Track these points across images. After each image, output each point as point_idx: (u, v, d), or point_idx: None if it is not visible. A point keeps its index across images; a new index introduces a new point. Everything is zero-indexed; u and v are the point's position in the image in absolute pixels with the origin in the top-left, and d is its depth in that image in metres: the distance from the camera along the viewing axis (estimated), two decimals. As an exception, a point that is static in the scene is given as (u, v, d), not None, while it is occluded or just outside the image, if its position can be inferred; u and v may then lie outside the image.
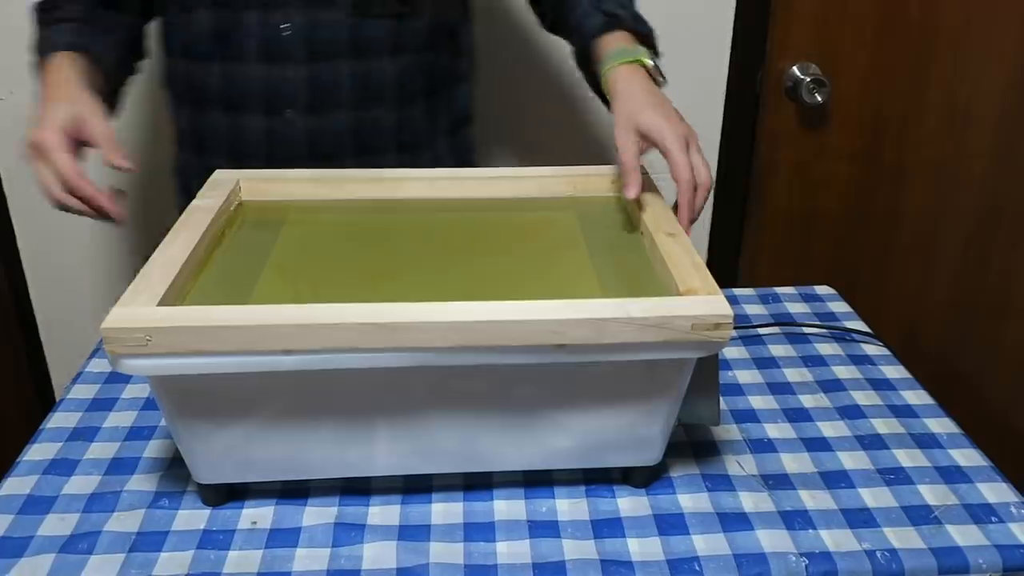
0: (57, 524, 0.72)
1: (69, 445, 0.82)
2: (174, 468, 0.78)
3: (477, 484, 0.76)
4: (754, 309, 1.08)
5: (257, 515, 0.73)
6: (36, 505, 0.74)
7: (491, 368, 0.67)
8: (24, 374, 1.50)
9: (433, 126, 1.04)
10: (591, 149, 1.43)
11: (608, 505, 0.74)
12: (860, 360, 0.96)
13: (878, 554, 0.69)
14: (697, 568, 0.68)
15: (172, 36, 0.98)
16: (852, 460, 0.80)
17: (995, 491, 0.76)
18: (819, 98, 1.40)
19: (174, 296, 0.69)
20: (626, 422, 0.72)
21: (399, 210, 0.88)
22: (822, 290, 1.13)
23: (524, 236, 0.84)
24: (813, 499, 0.75)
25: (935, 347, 1.64)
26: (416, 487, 0.76)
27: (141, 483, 0.77)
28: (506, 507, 0.74)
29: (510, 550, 0.70)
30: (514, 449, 0.73)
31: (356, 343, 0.63)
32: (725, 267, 1.55)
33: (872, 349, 0.99)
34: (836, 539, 0.71)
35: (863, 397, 0.90)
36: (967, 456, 0.81)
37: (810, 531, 0.71)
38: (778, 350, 0.99)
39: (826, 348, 0.99)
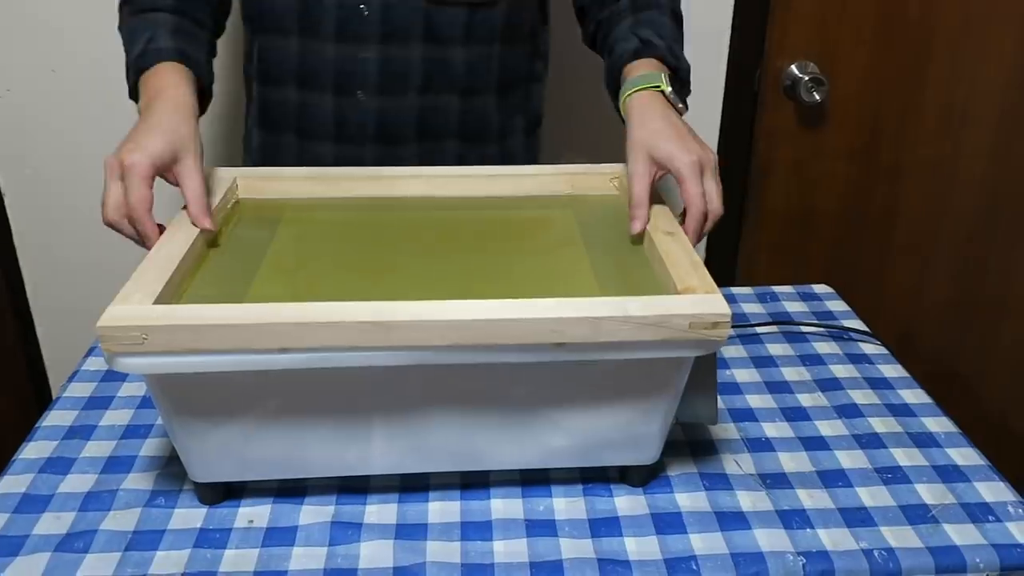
0: (53, 523, 0.72)
1: (65, 443, 0.81)
2: (170, 466, 0.78)
3: (474, 483, 0.76)
4: (752, 308, 1.08)
5: (253, 514, 0.73)
6: (32, 504, 0.74)
7: (488, 367, 0.67)
8: (21, 372, 1.50)
9: (507, 122, 1.05)
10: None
11: (605, 504, 0.74)
12: (858, 359, 0.96)
13: (875, 553, 0.69)
14: (694, 567, 0.68)
15: (253, 10, 0.99)
16: (850, 459, 0.80)
17: (992, 490, 0.76)
18: (817, 97, 1.40)
19: (170, 294, 0.68)
20: (624, 421, 0.72)
21: (397, 208, 0.88)
22: (820, 289, 1.13)
23: (522, 234, 0.84)
24: (811, 498, 0.75)
25: (932, 346, 1.64)
26: (413, 486, 0.76)
27: (137, 481, 0.77)
28: (503, 506, 0.74)
29: (507, 549, 0.70)
30: (511, 448, 0.73)
31: (353, 342, 0.63)
32: (723, 266, 1.55)
33: (870, 348, 0.99)
34: (833, 538, 0.71)
35: (861, 396, 0.89)
36: (964, 455, 0.81)
37: (808, 530, 0.71)
38: (776, 349, 0.99)
39: (824, 347, 0.99)
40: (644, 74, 0.87)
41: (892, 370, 0.94)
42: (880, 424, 0.85)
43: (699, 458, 0.80)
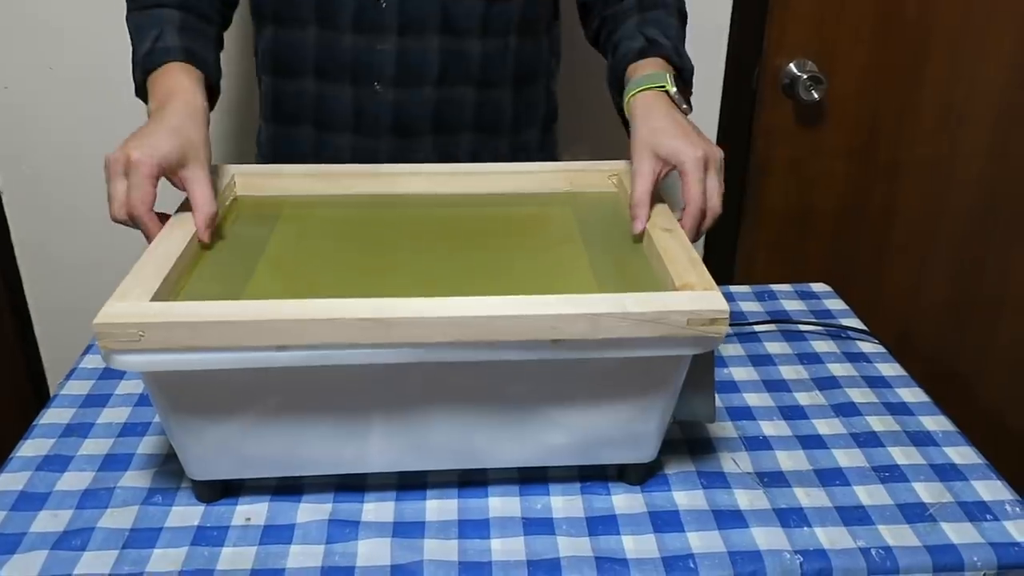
0: (50, 520, 0.72)
1: (62, 441, 0.81)
2: (168, 464, 0.78)
3: (472, 481, 0.76)
4: (750, 306, 1.08)
5: (251, 512, 0.73)
6: (29, 501, 0.74)
7: (486, 364, 0.67)
8: (19, 370, 1.50)
9: (523, 115, 1.05)
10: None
11: (603, 502, 0.74)
12: (856, 357, 0.96)
13: (873, 552, 0.69)
14: (692, 565, 0.68)
15: (265, 4, 0.99)
16: (847, 458, 0.80)
17: (990, 489, 0.76)
18: (816, 95, 1.40)
19: (167, 291, 0.68)
20: (621, 419, 0.72)
21: (396, 205, 0.88)
22: (818, 287, 1.13)
23: (520, 231, 0.84)
24: (808, 497, 0.75)
25: (930, 345, 1.64)
26: (411, 484, 0.76)
27: (135, 479, 0.76)
28: (501, 504, 0.74)
29: (504, 547, 0.70)
30: (509, 446, 0.73)
31: (352, 339, 0.63)
32: (721, 264, 1.55)
33: (868, 346, 0.99)
34: (831, 537, 0.71)
35: (858, 394, 0.89)
36: (962, 454, 0.81)
37: (805, 529, 0.71)
38: (774, 347, 0.99)
39: (822, 345, 0.99)
40: (649, 74, 0.87)
41: (890, 369, 0.94)
42: (878, 423, 0.85)
43: (697, 456, 0.80)
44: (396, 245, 0.81)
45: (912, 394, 0.90)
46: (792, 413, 0.87)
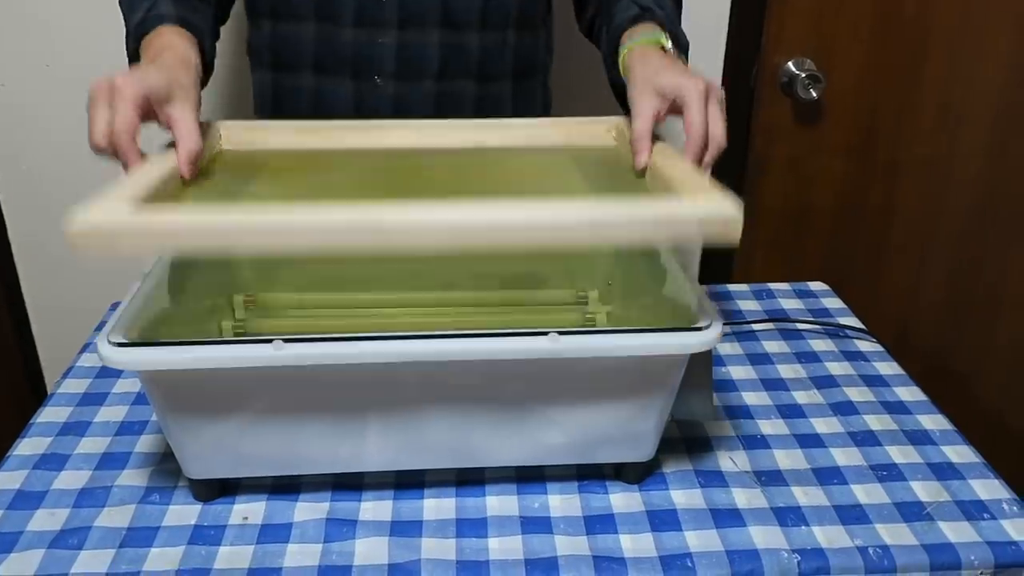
0: (47, 519, 0.72)
1: (59, 440, 0.81)
2: (165, 463, 0.78)
3: (469, 480, 0.76)
4: (748, 305, 1.08)
5: (248, 510, 0.73)
6: (26, 500, 0.74)
7: (483, 362, 0.67)
8: (17, 368, 1.50)
9: (523, 109, 1.05)
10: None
11: (601, 501, 0.74)
12: (853, 356, 0.96)
13: (870, 550, 0.69)
14: (689, 564, 0.68)
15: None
16: (845, 456, 0.80)
17: (987, 488, 0.76)
18: (814, 94, 1.40)
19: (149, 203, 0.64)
20: (619, 418, 0.72)
21: (387, 156, 0.86)
22: (816, 286, 1.13)
23: (518, 175, 0.82)
24: (806, 495, 0.75)
25: (928, 343, 1.64)
26: (408, 483, 0.76)
27: (132, 478, 0.76)
28: (498, 503, 0.74)
29: (502, 546, 0.69)
30: (507, 445, 0.73)
31: (343, 240, 0.59)
32: (719, 262, 1.55)
33: (866, 345, 0.99)
34: (828, 535, 0.71)
35: (856, 393, 0.89)
36: (960, 453, 0.81)
37: (802, 527, 0.71)
38: (772, 346, 0.99)
39: (820, 344, 0.99)
40: (644, 32, 0.86)
41: (888, 367, 0.94)
42: (875, 421, 0.85)
43: (694, 455, 0.80)
44: (386, 190, 0.77)
45: (910, 393, 0.90)
46: (790, 412, 0.87)
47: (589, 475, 0.77)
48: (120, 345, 0.63)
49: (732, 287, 1.12)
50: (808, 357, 0.96)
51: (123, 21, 0.89)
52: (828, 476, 0.77)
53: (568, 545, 0.69)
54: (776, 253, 1.56)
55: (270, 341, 0.64)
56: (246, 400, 0.68)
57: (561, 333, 0.65)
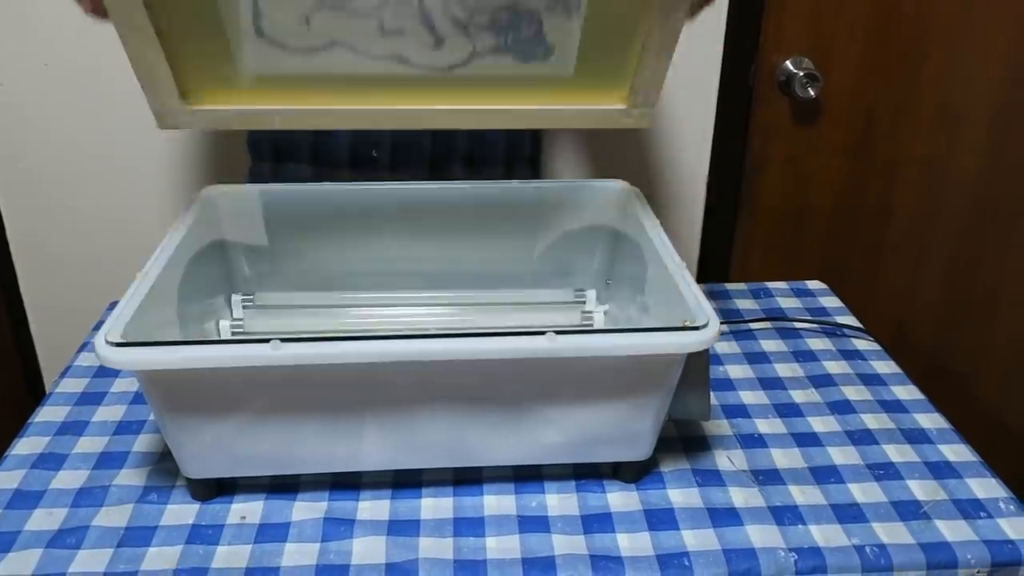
0: (45, 519, 0.72)
1: (57, 439, 0.81)
2: (163, 463, 0.78)
3: (467, 479, 0.76)
4: (745, 304, 1.08)
5: (246, 510, 0.73)
6: (24, 500, 0.74)
7: (481, 362, 0.67)
8: (15, 368, 1.50)
9: (512, 151, 1.11)
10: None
11: (598, 500, 0.74)
12: (851, 355, 0.97)
13: (867, 549, 0.69)
14: (687, 563, 0.68)
15: (263, 141, 1.09)
16: (842, 455, 0.80)
17: (984, 487, 0.76)
18: (812, 93, 1.40)
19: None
20: (616, 417, 0.72)
21: None
22: (813, 285, 1.13)
23: None
24: (803, 494, 0.75)
25: (926, 343, 1.64)
26: (406, 482, 0.76)
27: (130, 478, 0.76)
28: (496, 502, 0.74)
29: (499, 545, 0.70)
30: (504, 444, 0.73)
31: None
32: (717, 261, 1.55)
33: (863, 344, 0.99)
34: (825, 534, 0.71)
35: (853, 392, 0.90)
36: (956, 451, 0.81)
37: (799, 526, 0.71)
38: (769, 345, 0.99)
39: (817, 343, 0.99)
40: None
41: (885, 366, 0.95)
42: (872, 420, 0.85)
43: (692, 454, 0.80)
44: None
45: (907, 392, 0.90)
46: (787, 411, 0.87)
47: (586, 474, 0.77)
48: (118, 345, 0.63)
49: (730, 286, 1.12)
50: (805, 356, 0.96)
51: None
52: (825, 475, 0.78)
53: (565, 544, 0.69)
54: (774, 252, 1.57)
55: (267, 341, 0.64)
56: (244, 400, 0.68)
57: (558, 333, 0.65)
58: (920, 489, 0.76)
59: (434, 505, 0.74)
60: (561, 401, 0.71)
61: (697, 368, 0.73)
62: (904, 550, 0.69)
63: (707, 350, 0.69)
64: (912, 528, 0.71)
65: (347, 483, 0.75)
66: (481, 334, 0.65)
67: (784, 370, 0.94)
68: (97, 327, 1.02)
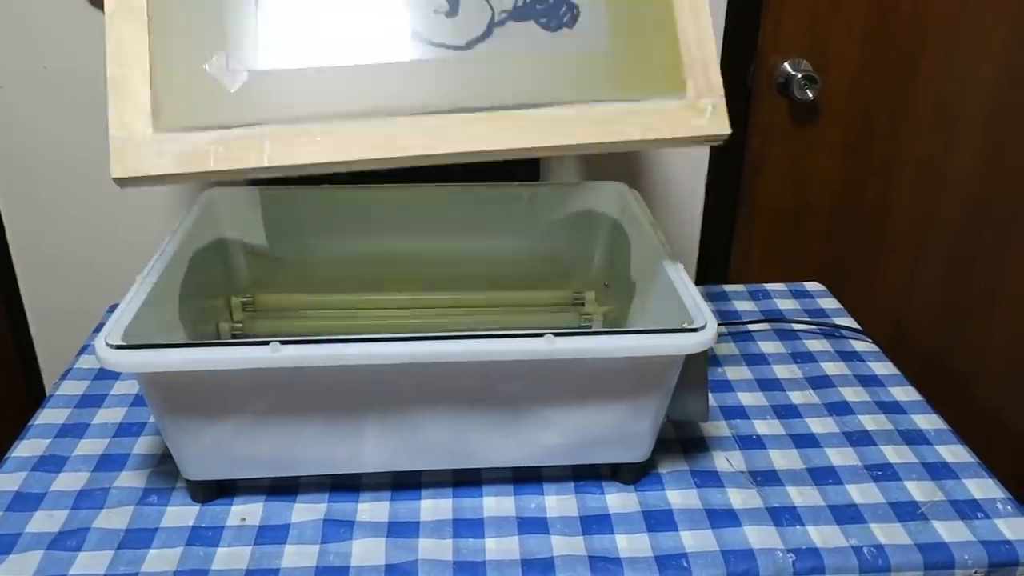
0: (45, 521, 0.72)
1: (58, 441, 0.82)
2: (163, 464, 0.78)
3: (466, 480, 0.77)
4: (744, 305, 1.08)
5: (246, 511, 0.73)
6: (24, 502, 0.74)
7: (480, 364, 0.67)
8: (15, 370, 1.50)
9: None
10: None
11: (597, 501, 0.75)
12: (849, 356, 0.97)
13: (865, 550, 0.69)
14: (685, 564, 0.68)
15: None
16: (840, 456, 0.80)
17: (981, 487, 0.76)
18: (810, 94, 1.40)
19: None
20: (615, 418, 0.72)
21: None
22: (812, 286, 1.13)
23: None
24: (801, 495, 0.75)
25: (925, 343, 1.65)
26: (405, 483, 0.76)
27: (130, 479, 0.77)
28: (495, 503, 0.74)
29: (499, 546, 0.70)
30: (503, 445, 0.73)
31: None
32: (716, 262, 1.56)
33: (861, 345, 0.99)
34: (823, 535, 0.71)
35: (851, 393, 0.90)
36: (954, 452, 0.81)
37: (797, 527, 0.72)
38: (768, 346, 0.99)
39: (815, 345, 0.99)
40: None
41: (883, 368, 0.95)
42: (870, 421, 0.85)
43: (690, 455, 0.80)
44: None
45: (905, 393, 0.90)
46: (785, 412, 0.87)
47: (585, 475, 0.77)
48: (118, 347, 0.64)
49: (728, 287, 1.12)
50: (803, 357, 0.97)
51: None
52: (823, 476, 0.78)
53: (564, 545, 0.70)
54: (772, 252, 1.57)
55: (267, 343, 0.64)
56: (244, 402, 0.69)
57: (557, 335, 0.65)
58: (918, 490, 0.76)
59: (433, 506, 0.74)
60: (560, 402, 0.71)
61: (695, 369, 0.74)
62: (902, 551, 0.69)
63: (705, 351, 0.69)
64: (910, 529, 0.72)
65: (346, 485, 0.76)
66: (480, 336, 0.65)
67: (782, 371, 0.94)
68: (97, 329, 1.02)
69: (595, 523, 0.72)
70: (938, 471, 0.79)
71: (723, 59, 1.42)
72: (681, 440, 0.82)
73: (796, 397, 0.89)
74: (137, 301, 0.70)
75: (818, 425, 0.85)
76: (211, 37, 0.62)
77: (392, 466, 0.75)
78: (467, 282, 0.93)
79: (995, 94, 1.46)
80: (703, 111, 0.66)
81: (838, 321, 1.04)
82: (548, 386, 0.70)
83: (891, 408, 0.88)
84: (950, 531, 0.71)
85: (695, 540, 0.70)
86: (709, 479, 0.77)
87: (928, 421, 0.86)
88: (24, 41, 1.31)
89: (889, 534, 0.71)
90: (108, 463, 0.79)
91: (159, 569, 0.67)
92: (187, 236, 0.81)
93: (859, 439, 0.83)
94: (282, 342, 0.64)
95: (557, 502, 0.75)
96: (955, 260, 1.58)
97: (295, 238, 0.91)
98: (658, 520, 0.73)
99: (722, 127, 0.67)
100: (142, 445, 0.81)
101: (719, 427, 0.84)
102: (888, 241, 1.57)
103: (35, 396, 1.53)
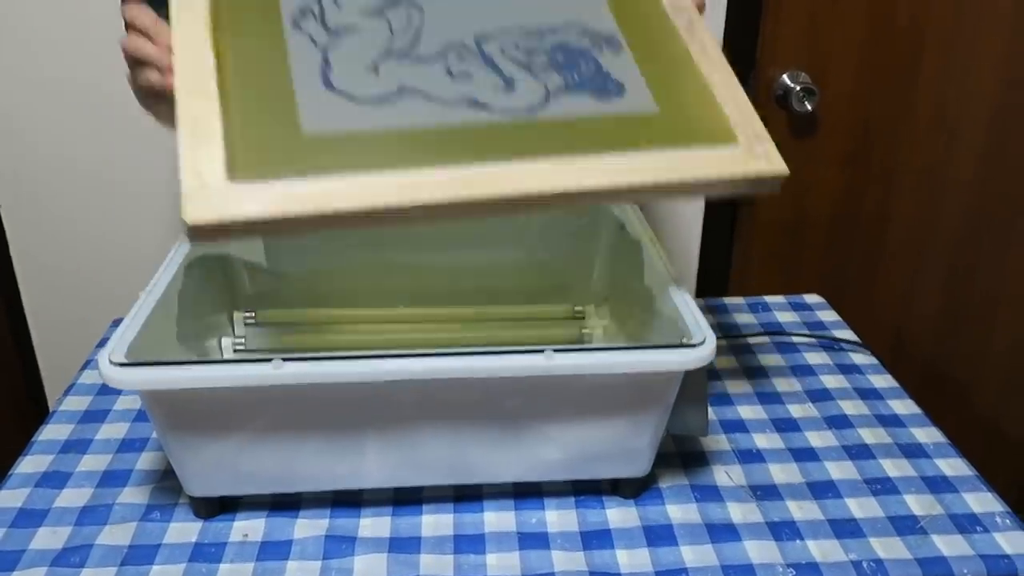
0: (49, 537, 0.72)
1: (61, 457, 0.82)
2: (166, 480, 0.79)
3: (467, 496, 0.77)
4: (743, 318, 1.09)
5: (248, 527, 0.74)
6: (28, 518, 0.74)
7: (480, 380, 0.67)
8: (18, 385, 1.50)
9: None
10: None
11: (597, 516, 0.75)
12: (848, 370, 0.97)
13: (864, 564, 0.70)
14: (685, 579, 0.68)
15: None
16: (839, 470, 0.81)
17: (980, 501, 0.77)
18: (809, 107, 1.41)
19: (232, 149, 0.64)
20: (615, 433, 0.73)
21: None
22: (811, 299, 1.14)
23: None
24: (800, 509, 0.76)
25: (925, 351, 1.65)
26: (406, 499, 0.76)
27: (133, 495, 0.77)
28: (496, 519, 0.75)
29: (500, 562, 0.70)
30: (504, 461, 0.74)
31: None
32: (716, 274, 1.56)
33: (860, 358, 1.00)
34: (823, 549, 0.71)
35: (851, 407, 0.90)
36: (953, 466, 0.81)
37: (797, 542, 0.72)
38: (767, 359, 0.99)
39: (815, 358, 1.00)
40: None
41: (882, 381, 0.95)
42: (870, 435, 0.86)
43: (690, 470, 0.81)
44: None
45: (904, 406, 0.91)
46: (785, 425, 0.87)
47: (586, 490, 0.78)
48: (121, 365, 0.64)
49: (728, 300, 1.13)
50: (803, 370, 0.97)
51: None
52: (823, 490, 0.78)
53: (565, 560, 0.70)
54: (773, 264, 1.57)
55: (269, 360, 0.64)
56: (246, 418, 0.69)
57: (556, 350, 0.66)
58: (917, 504, 0.76)
59: (434, 522, 0.74)
60: (560, 418, 0.71)
61: (695, 384, 0.74)
62: (901, 565, 0.70)
63: (704, 366, 0.70)
64: (909, 543, 0.72)
65: (348, 500, 0.76)
66: (480, 352, 0.66)
67: (782, 385, 0.94)
68: (101, 345, 1.03)
69: (596, 538, 0.73)
70: (937, 485, 0.79)
71: (722, 71, 1.43)
72: (681, 454, 0.83)
73: (796, 410, 0.90)
74: (140, 317, 0.70)
75: (817, 439, 0.85)
76: (281, 103, 0.66)
77: (393, 482, 0.75)
78: (467, 295, 0.93)
79: (994, 103, 1.46)
80: (759, 155, 0.70)
81: (837, 334, 1.04)
82: (548, 402, 0.70)
83: (890, 421, 0.88)
84: (949, 545, 0.72)
85: (695, 555, 0.71)
86: (709, 493, 0.78)
87: (927, 435, 0.86)
88: (24, 48, 1.31)
89: (888, 548, 0.71)
90: (111, 479, 0.79)
91: (162, 585, 0.68)
92: (190, 251, 0.82)
93: (858, 453, 0.83)
94: (284, 359, 0.64)
95: (558, 517, 0.75)
96: (955, 268, 1.59)
97: (296, 253, 0.91)
98: (658, 535, 0.73)
99: (780, 168, 0.71)
100: (145, 461, 0.82)
101: (719, 441, 0.85)
102: (888, 250, 1.57)
103: (37, 403, 1.53)
